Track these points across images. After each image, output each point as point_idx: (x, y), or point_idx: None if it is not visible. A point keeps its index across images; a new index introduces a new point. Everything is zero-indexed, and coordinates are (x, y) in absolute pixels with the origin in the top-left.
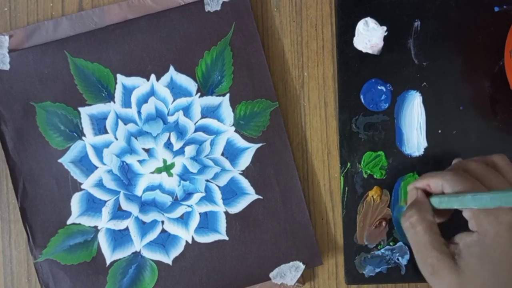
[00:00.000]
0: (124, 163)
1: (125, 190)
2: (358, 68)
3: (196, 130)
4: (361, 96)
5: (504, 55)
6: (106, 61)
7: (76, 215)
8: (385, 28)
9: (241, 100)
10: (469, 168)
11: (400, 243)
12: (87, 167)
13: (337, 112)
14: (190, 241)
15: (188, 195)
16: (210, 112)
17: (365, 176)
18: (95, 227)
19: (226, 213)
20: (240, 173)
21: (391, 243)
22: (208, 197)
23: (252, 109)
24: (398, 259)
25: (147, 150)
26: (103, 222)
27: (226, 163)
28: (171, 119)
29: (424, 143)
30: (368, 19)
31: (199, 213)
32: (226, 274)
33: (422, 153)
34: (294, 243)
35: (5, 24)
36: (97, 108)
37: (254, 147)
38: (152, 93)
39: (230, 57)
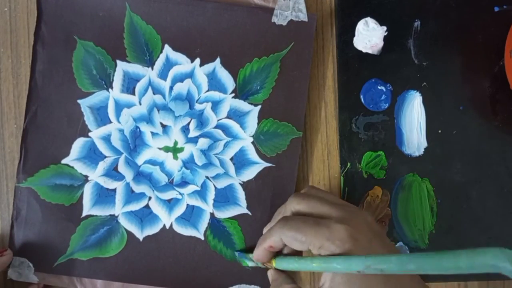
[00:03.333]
0: (138, 129)
1: (128, 154)
2: (358, 68)
3: (216, 127)
4: (361, 96)
5: (504, 55)
6: (161, 28)
7: (73, 158)
8: (385, 28)
9: (269, 117)
10: (299, 209)
11: (400, 243)
12: (102, 118)
13: (337, 112)
14: (167, 226)
15: (183, 183)
16: (236, 115)
17: (365, 176)
18: (86, 176)
19: (212, 214)
20: (240, 183)
21: None
22: (201, 193)
23: (276, 129)
24: None
25: (164, 126)
26: (95, 174)
27: (231, 169)
28: (198, 106)
29: (424, 143)
30: (368, 19)
31: (187, 204)
32: (188, 271)
33: (422, 153)
34: (262, 269)
35: (5, 24)
36: (135, 68)
37: (263, 164)
38: (190, 75)
39: (276, 73)
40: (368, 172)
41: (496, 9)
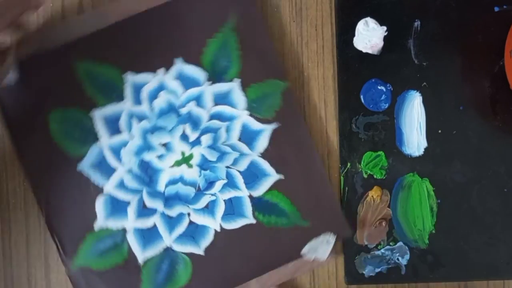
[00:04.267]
0: (143, 161)
1: (148, 187)
2: (358, 68)
3: (210, 119)
4: (361, 96)
5: (504, 55)
6: (115, 60)
7: (102, 219)
8: (385, 28)
9: (251, 83)
10: None
11: (400, 243)
12: (107, 170)
13: (337, 112)
14: (218, 229)
15: (210, 184)
16: (222, 98)
17: (365, 176)
18: (123, 229)
19: (251, 196)
20: (259, 156)
21: (391, 243)
22: (230, 183)
23: (263, 90)
24: (398, 259)
25: (164, 145)
26: (130, 222)
27: (244, 147)
28: (183, 110)
29: (424, 143)
30: (368, 19)
31: (224, 200)
32: (258, 257)
33: (422, 153)
34: (321, 217)
35: None
36: (110, 110)
37: (269, 128)
38: (162, 87)
39: (234, 42)
40: (368, 172)
41: (496, 9)
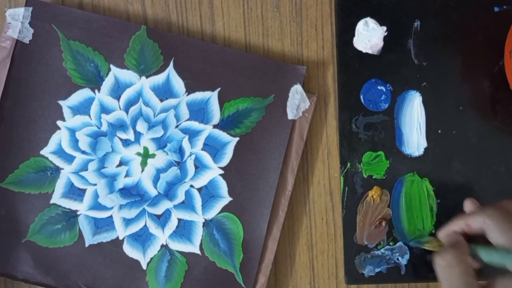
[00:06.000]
0: (123, 189)
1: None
2: (358, 68)
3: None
4: (361, 96)
5: (504, 55)
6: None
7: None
8: (385, 28)
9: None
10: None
11: (400, 243)
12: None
13: (337, 112)
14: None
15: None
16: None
17: (365, 176)
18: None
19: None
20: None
21: (391, 243)
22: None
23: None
24: (398, 259)
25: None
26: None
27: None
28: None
29: (424, 143)
30: (368, 19)
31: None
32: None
33: (422, 153)
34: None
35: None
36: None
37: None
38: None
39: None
40: (368, 172)
41: (496, 9)
